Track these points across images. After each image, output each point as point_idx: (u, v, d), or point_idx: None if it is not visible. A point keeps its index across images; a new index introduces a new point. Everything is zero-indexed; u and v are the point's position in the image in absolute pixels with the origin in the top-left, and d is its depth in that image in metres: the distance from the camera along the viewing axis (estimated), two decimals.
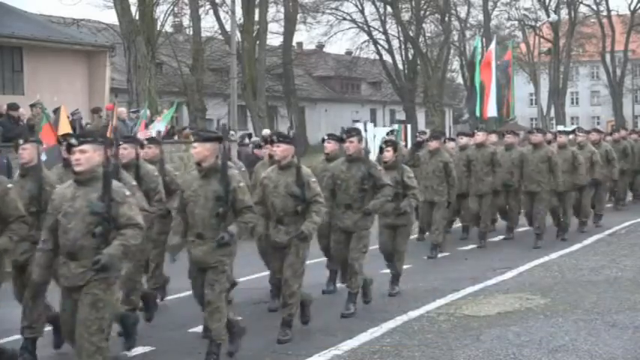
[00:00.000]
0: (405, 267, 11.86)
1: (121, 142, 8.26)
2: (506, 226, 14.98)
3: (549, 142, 17.12)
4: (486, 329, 7.97)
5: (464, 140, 14.41)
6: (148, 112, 18.70)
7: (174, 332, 8.32)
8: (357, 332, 7.99)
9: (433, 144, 12.95)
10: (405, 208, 9.75)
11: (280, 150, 7.97)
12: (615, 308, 8.75)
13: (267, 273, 10.67)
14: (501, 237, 14.74)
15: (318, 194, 7.87)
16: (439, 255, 12.89)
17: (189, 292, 9.75)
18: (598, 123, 56.67)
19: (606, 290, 9.75)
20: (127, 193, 6.14)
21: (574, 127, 23.29)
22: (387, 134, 19.38)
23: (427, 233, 13.98)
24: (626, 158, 18.68)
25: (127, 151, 8.50)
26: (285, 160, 7.94)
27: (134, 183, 7.87)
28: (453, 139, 16.28)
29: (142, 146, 9.55)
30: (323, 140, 10.36)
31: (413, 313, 8.79)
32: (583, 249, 13.35)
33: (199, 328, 8.36)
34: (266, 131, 24.46)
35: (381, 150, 10.10)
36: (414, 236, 13.86)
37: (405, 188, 9.82)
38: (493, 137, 15.10)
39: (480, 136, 14.21)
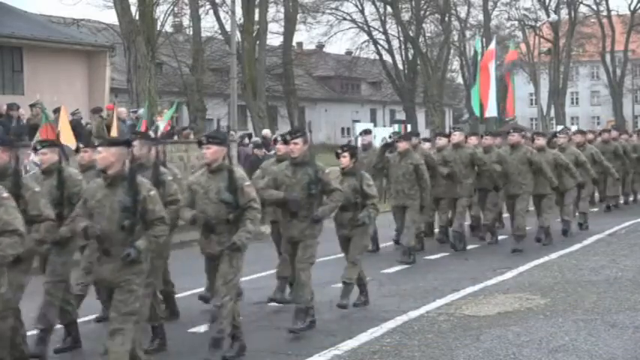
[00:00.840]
0: (405, 267, 11.87)
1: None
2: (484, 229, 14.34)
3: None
4: (486, 329, 7.96)
5: (442, 141, 13.69)
6: (156, 114, 18.72)
7: (174, 332, 8.30)
8: (357, 332, 7.99)
9: (402, 145, 12.30)
10: (364, 219, 8.94)
11: (210, 152, 7.20)
12: (615, 308, 8.75)
13: (266, 273, 10.71)
14: (502, 237, 14.73)
15: (252, 200, 7.18)
16: (439, 255, 12.84)
17: (189, 293, 9.81)
18: (598, 123, 56.73)
19: (606, 290, 9.74)
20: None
21: (561, 127, 22.90)
22: (390, 136, 19.42)
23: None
24: (616, 159, 18.13)
25: (46, 157, 7.72)
26: (216, 163, 7.22)
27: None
28: (428, 140, 15.64)
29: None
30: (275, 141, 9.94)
31: (413, 313, 8.79)
32: (583, 249, 13.34)
33: (199, 328, 8.38)
34: (266, 131, 24.49)
35: (337, 155, 9.31)
36: (388, 243, 13.80)
37: (364, 197, 9.05)
38: (474, 140, 14.32)
39: (456, 137, 13.55)
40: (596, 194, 18.96)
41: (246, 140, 20.69)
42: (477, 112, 20.47)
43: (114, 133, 14.30)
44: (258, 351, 7.48)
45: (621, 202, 19.48)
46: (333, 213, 8.79)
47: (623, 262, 11.83)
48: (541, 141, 13.99)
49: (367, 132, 14.70)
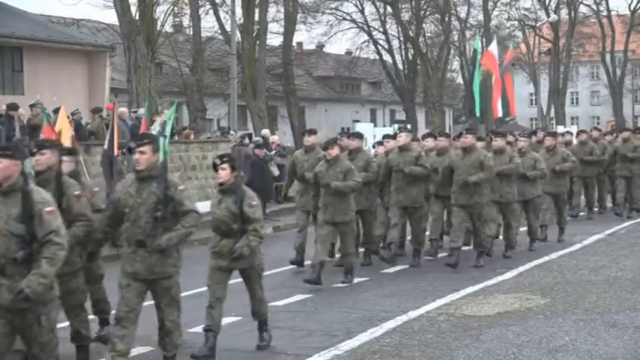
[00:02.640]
0: (405, 267, 11.88)
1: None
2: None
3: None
4: (486, 329, 7.97)
5: (390, 144, 12.50)
6: (155, 114, 18.72)
7: None
8: (357, 332, 8.00)
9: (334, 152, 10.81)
10: (241, 251, 7.35)
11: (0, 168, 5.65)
12: (615, 308, 8.75)
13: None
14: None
15: (53, 231, 5.59)
16: (439, 255, 12.76)
17: (189, 292, 9.80)
18: (598, 123, 56.55)
19: (606, 290, 9.74)
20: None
21: (538, 127, 21.61)
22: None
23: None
24: (594, 163, 17.01)
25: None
26: (6, 182, 5.64)
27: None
28: (381, 143, 13.92)
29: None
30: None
31: (413, 313, 8.79)
32: (583, 249, 13.34)
33: (199, 328, 8.37)
34: (265, 131, 24.49)
35: (215, 167, 7.69)
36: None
37: (244, 222, 7.44)
38: (430, 142, 12.91)
39: (402, 138, 12.11)
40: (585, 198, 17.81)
41: (247, 140, 20.68)
42: (477, 113, 20.39)
43: (116, 136, 14.29)
44: (258, 351, 7.49)
45: (595, 209, 17.83)
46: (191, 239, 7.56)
47: (623, 262, 11.84)
48: (499, 142, 12.67)
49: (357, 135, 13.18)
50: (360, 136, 12.91)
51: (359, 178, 10.79)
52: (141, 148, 6.76)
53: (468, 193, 11.57)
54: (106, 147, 14.38)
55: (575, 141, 17.97)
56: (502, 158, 12.44)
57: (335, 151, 10.72)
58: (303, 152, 12.40)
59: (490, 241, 12.36)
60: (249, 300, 7.90)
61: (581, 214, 17.60)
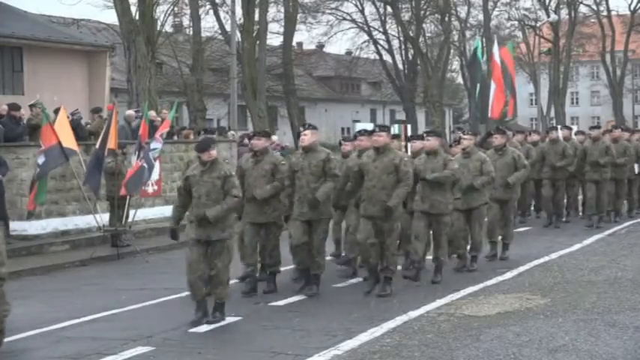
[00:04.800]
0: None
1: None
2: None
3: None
4: (486, 329, 7.96)
5: (363, 142, 10.85)
6: (153, 112, 18.70)
7: (174, 332, 8.32)
8: (357, 332, 7.99)
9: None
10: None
11: None
12: (615, 308, 8.75)
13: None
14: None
15: None
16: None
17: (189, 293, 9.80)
18: (598, 123, 56.62)
19: (606, 290, 9.74)
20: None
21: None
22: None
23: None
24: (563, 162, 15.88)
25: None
26: None
27: None
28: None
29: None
30: None
31: (413, 313, 8.79)
32: (583, 249, 13.34)
33: (199, 328, 8.39)
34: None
35: None
36: None
37: None
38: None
39: (306, 137, 10.07)
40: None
41: (246, 140, 20.67)
42: (478, 113, 20.41)
43: (113, 134, 14.24)
44: (258, 351, 7.49)
45: (563, 219, 16.64)
46: None
47: (623, 262, 11.84)
48: (432, 142, 10.78)
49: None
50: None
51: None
52: None
53: (378, 202, 9.65)
54: (97, 145, 14.29)
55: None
56: (434, 162, 10.57)
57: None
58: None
59: (415, 261, 10.51)
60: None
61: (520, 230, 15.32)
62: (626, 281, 10.32)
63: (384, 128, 10.35)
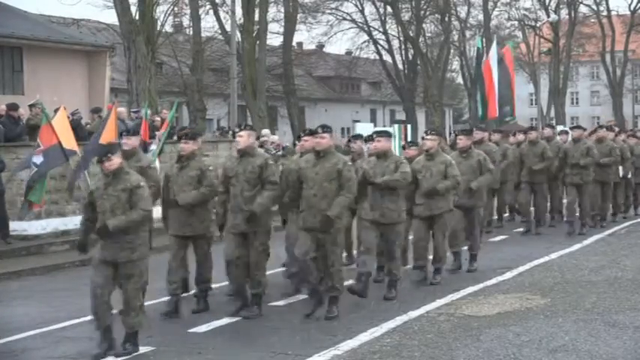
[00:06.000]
0: (404, 268, 11.86)
1: None
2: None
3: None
4: (486, 329, 7.97)
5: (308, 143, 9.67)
6: (149, 111, 18.69)
7: (174, 332, 8.31)
8: (357, 332, 7.99)
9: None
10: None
11: None
12: (615, 308, 8.75)
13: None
14: (502, 237, 14.73)
15: None
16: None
17: (190, 293, 9.79)
18: (598, 123, 56.64)
19: (606, 290, 9.75)
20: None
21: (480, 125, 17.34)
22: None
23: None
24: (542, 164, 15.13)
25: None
26: None
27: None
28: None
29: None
30: None
31: (413, 313, 8.79)
32: (583, 249, 13.34)
33: (199, 328, 8.38)
34: (266, 131, 24.46)
35: None
36: None
37: None
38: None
39: (242, 139, 8.86)
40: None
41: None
42: (480, 112, 20.40)
43: (112, 133, 14.19)
44: (258, 351, 7.49)
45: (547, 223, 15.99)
46: None
47: (623, 262, 11.84)
48: (382, 143, 9.65)
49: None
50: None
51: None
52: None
53: (317, 211, 8.67)
54: (91, 139, 14.25)
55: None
56: (384, 165, 9.52)
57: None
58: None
59: (363, 274, 9.33)
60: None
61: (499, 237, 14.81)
62: (626, 281, 10.32)
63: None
